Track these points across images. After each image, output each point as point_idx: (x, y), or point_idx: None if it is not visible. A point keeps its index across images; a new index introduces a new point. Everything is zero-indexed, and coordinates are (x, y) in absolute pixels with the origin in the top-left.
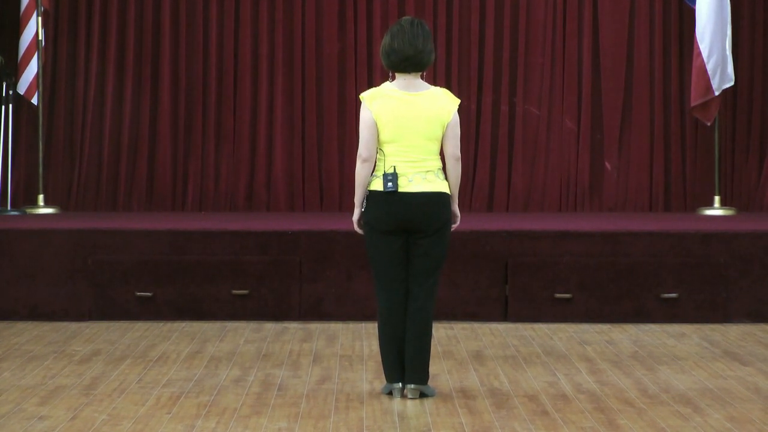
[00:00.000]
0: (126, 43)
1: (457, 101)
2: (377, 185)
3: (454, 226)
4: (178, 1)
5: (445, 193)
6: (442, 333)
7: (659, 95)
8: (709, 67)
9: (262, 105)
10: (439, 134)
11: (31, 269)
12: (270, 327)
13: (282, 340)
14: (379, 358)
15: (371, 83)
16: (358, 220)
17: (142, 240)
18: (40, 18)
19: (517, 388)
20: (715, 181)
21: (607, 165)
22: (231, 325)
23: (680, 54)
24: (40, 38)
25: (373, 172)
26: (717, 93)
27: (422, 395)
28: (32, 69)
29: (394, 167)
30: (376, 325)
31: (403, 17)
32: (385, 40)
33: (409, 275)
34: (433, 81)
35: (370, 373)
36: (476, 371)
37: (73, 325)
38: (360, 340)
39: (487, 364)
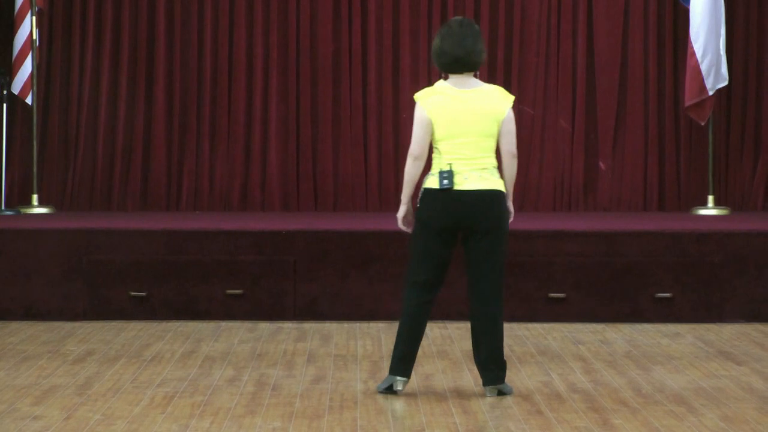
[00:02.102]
0: (121, 42)
1: (512, 98)
2: (433, 183)
3: (508, 222)
4: (172, 0)
5: (500, 191)
6: (436, 332)
7: (653, 95)
8: (703, 66)
9: (256, 105)
10: (494, 131)
11: (26, 269)
12: (264, 327)
13: (276, 340)
14: (375, 358)
15: (366, 83)
16: (404, 217)
17: (137, 240)
18: (34, 18)
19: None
20: (709, 181)
21: (602, 165)
22: (225, 324)
23: (674, 54)
24: (34, 38)
25: (430, 169)
26: (711, 93)
27: (500, 393)
28: (27, 68)
29: (450, 165)
30: (370, 324)
31: (452, 18)
32: (435, 42)
33: (469, 278)
34: (428, 80)
35: (364, 373)
36: (470, 371)
37: (68, 325)
38: (354, 340)
39: None
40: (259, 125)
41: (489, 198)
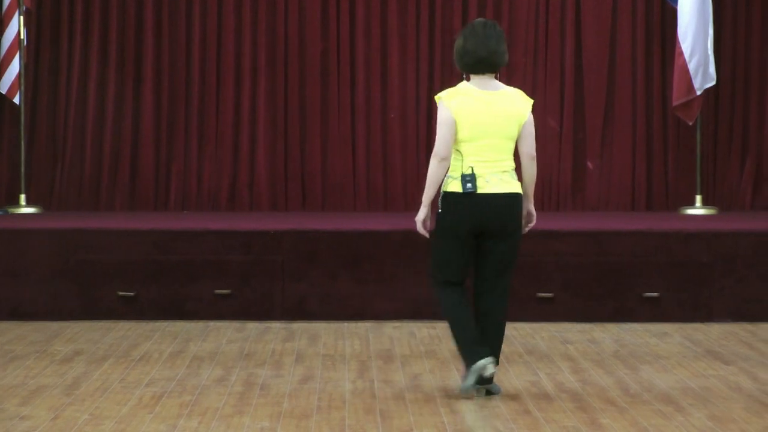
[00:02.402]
0: (108, 43)
1: (531, 101)
2: (455, 187)
3: (531, 225)
4: (160, 0)
5: (519, 194)
6: (424, 332)
7: (641, 95)
8: (691, 66)
9: (244, 105)
10: (515, 133)
11: (14, 269)
12: (252, 326)
13: (264, 340)
14: (363, 358)
15: (354, 83)
16: (423, 221)
17: (125, 240)
18: (22, 17)
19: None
20: (696, 181)
21: (589, 164)
22: (213, 324)
23: (662, 53)
24: (22, 37)
25: (447, 172)
26: (699, 92)
27: (488, 393)
28: (14, 68)
29: (472, 168)
30: (358, 324)
31: (476, 19)
32: (458, 42)
33: (479, 278)
34: (416, 80)
35: (352, 373)
36: (458, 371)
37: (56, 325)
38: (342, 340)
39: None
40: (247, 125)
41: (510, 201)
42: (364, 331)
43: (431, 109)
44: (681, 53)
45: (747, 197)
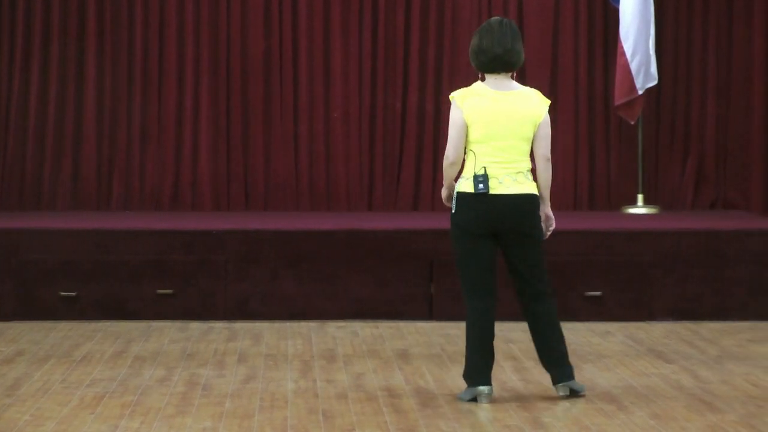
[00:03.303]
0: (50, 40)
1: (548, 101)
2: (467, 187)
3: (552, 229)
4: None
5: (533, 195)
6: (367, 332)
7: (584, 94)
8: (633, 66)
9: (187, 104)
10: (531, 134)
11: None
12: (195, 326)
13: (207, 340)
14: (306, 357)
15: (297, 82)
16: (447, 196)
17: (67, 239)
18: None
19: (442, 386)
20: (638, 180)
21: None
22: (156, 324)
23: (605, 53)
24: None
25: (461, 173)
26: (641, 92)
27: (572, 392)
28: None
29: (485, 168)
30: (301, 324)
31: (492, 18)
32: (474, 40)
33: (517, 281)
34: (359, 79)
35: (295, 372)
36: (401, 370)
37: None
38: (285, 340)
39: (413, 363)
40: (190, 124)
41: (522, 201)
42: (306, 330)
43: (375, 108)
44: (623, 53)
45: (688, 197)
